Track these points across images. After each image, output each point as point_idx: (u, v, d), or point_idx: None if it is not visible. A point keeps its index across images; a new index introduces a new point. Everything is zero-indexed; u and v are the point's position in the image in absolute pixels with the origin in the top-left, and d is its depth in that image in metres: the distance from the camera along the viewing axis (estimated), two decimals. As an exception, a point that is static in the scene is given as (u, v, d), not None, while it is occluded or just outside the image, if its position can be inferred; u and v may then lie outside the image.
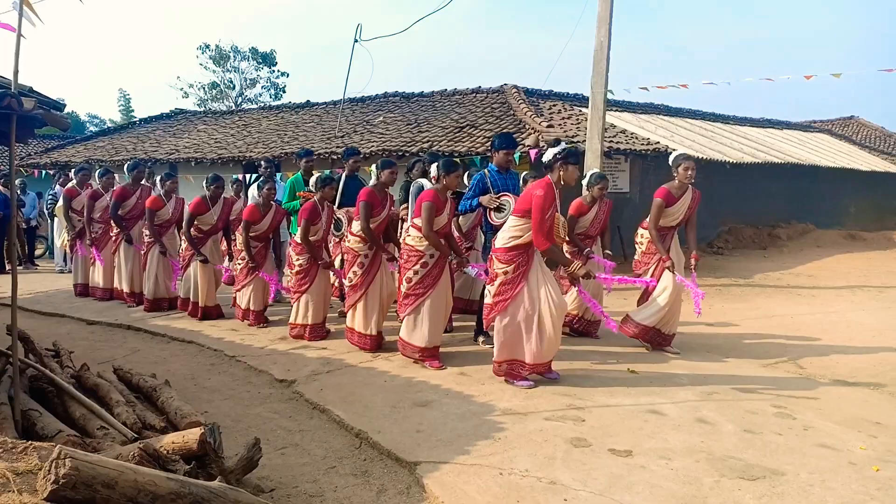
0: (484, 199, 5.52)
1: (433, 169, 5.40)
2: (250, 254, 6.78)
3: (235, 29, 73.15)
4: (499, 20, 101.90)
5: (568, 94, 15.22)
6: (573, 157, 4.74)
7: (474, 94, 15.07)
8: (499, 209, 5.44)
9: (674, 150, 12.40)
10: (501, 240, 4.78)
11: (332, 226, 6.59)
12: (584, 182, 6.34)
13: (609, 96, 9.78)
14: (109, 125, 34.32)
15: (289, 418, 4.40)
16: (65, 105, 4.60)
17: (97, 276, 8.69)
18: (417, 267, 5.24)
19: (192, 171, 13.90)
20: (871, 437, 3.84)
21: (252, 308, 6.92)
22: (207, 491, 2.33)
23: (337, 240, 6.81)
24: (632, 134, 12.87)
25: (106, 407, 3.73)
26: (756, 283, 10.22)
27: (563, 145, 4.81)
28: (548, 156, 4.77)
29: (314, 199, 6.24)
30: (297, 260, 6.29)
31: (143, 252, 8.03)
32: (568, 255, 4.77)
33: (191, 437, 2.85)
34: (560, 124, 11.88)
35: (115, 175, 9.15)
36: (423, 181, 6.38)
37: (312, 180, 6.42)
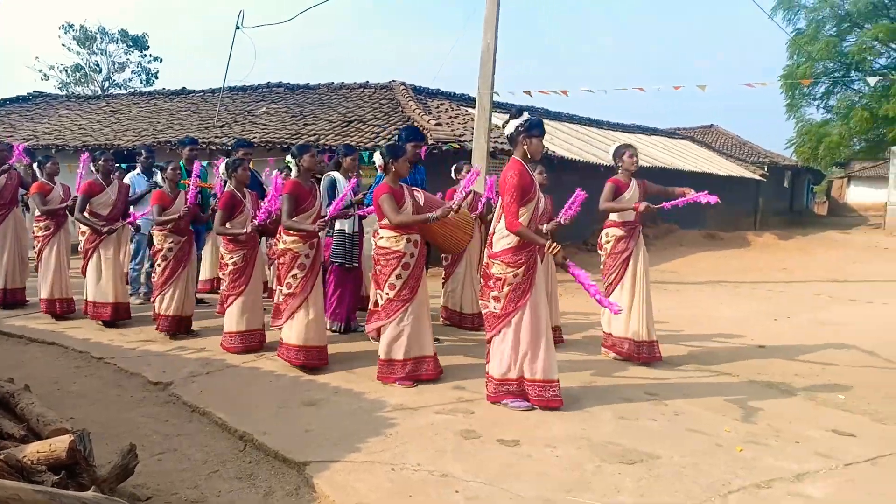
0: None
1: (377, 158, 4.94)
2: (170, 222, 5.94)
3: (103, 8, 68.28)
4: (387, 17, 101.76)
5: (455, 93, 15.42)
6: (537, 128, 4.30)
7: (362, 89, 14.93)
8: None
9: (553, 151, 12.91)
10: (501, 243, 4.30)
11: None
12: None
13: (494, 98, 9.99)
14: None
15: (165, 422, 4.15)
16: None
17: None
18: (399, 270, 4.70)
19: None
20: (735, 421, 4.16)
21: (171, 313, 6.03)
22: (80, 502, 2.15)
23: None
24: (515, 134, 13.22)
25: (-46, 416, 3.36)
26: (628, 279, 10.80)
27: (525, 116, 4.33)
28: (509, 128, 4.33)
29: (231, 186, 5.70)
30: (231, 258, 5.59)
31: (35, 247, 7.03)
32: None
33: (59, 445, 2.62)
34: (448, 123, 12.02)
35: None
36: (335, 174, 6.11)
37: (222, 167, 5.92)
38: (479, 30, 9.66)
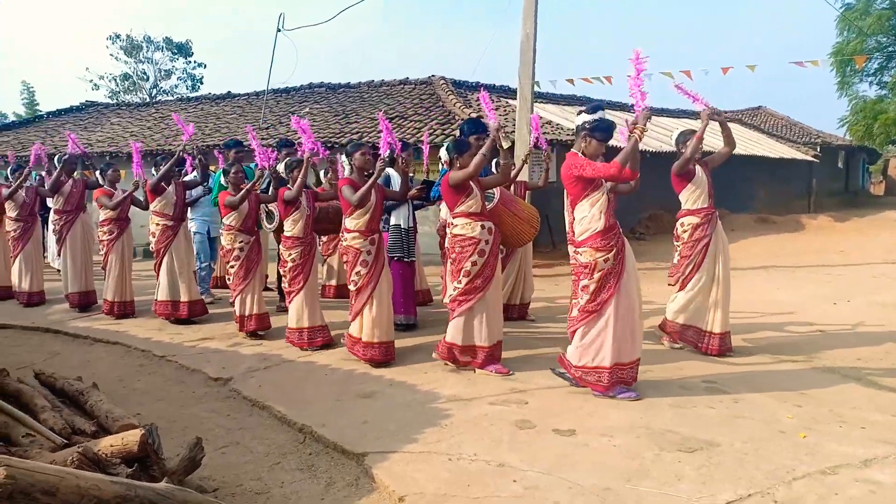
0: None
1: (443, 153, 4.98)
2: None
3: (148, 18, 70.04)
4: (425, 11, 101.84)
5: (495, 85, 15.36)
6: (600, 131, 4.19)
7: (402, 86, 15.02)
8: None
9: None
10: (587, 232, 4.24)
11: (265, 217, 6.36)
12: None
13: (535, 88, 9.92)
14: (13, 119, 32.25)
15: (227, 416, 4.27)
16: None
17: (21, 281, 7.89)
18: (475, 257, 4.69)
19: (107, 166, 13.28)
20: (797, 407, 4.06)
21: (256, 312, 6.10)
22: (154, 493, 2.24)
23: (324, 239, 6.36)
24: (557, 125, 13.12)
25: (30, 413, 3.51)
26: (678, 266, 10.61)
27: (598, 115, 4.24)
28: (578, 120, 4.29)
29: (288, 184, 5.74)
30: (290, 255, 5.64)
31: (101, 252, 7.23)
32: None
33: (131, 438, 2.72)
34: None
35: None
36: (389, 170, 6.06)
37: (281, 166, 6.01)
38: (518, 20, 9.62)
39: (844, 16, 23.13)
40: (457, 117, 11.67)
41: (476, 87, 14.90)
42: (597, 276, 4.21)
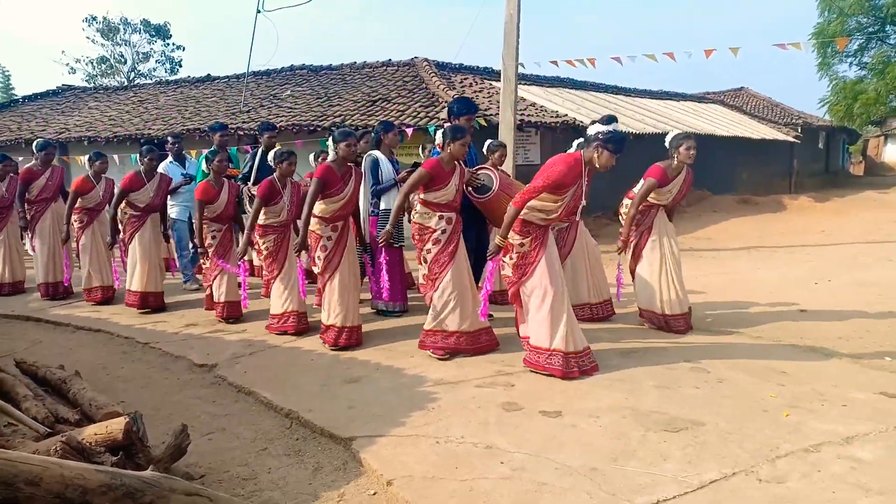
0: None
1: (438, 136, 4.92)
2: (200, 237, 5.99)
3: (133, 1, 68.75)
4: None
5: (478, 67, 15.28)
6: (613, 143, 4.19)
7: (384, 67, 14.88)
8: (477, 186, 5.10)
9: (581, 122, 12.75)
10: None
11: (248, 202, 6.29)
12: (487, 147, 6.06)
13: (519, 70, 9.86)
14: (-13, 104, 31.62)
15: (213, 403, 4.25)
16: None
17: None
18: (430, 245, 4.79)
19: (84, 151, 13.07)
20: (780, 386, 4.11)
21: (229, 299, 6.09)
22: (140, 481, 2.21)
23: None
24: (541, 107, 13.09)
25: (12, 402, 3.47)
26: (662, 248, 10.66)
27: (612, 127, 4.26)
28: (591, 130, 4.29)
29: (273, 175, 5.66)
30: (263, 243, 5.64)
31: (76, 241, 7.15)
32: (502, 238, 4.34)
33: (115, 427, 2.69)
34: (472, 97, 11.92)
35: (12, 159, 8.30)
36: (376, 153, 6.03)
37: (271, 154, 5.89)
38: (500, 2, 9.53)
39: (826, -4, 23.23)
40: (440, 99, 11.59)
41: (460, 68, 14.82)
42: (515, 257, 4.41)
